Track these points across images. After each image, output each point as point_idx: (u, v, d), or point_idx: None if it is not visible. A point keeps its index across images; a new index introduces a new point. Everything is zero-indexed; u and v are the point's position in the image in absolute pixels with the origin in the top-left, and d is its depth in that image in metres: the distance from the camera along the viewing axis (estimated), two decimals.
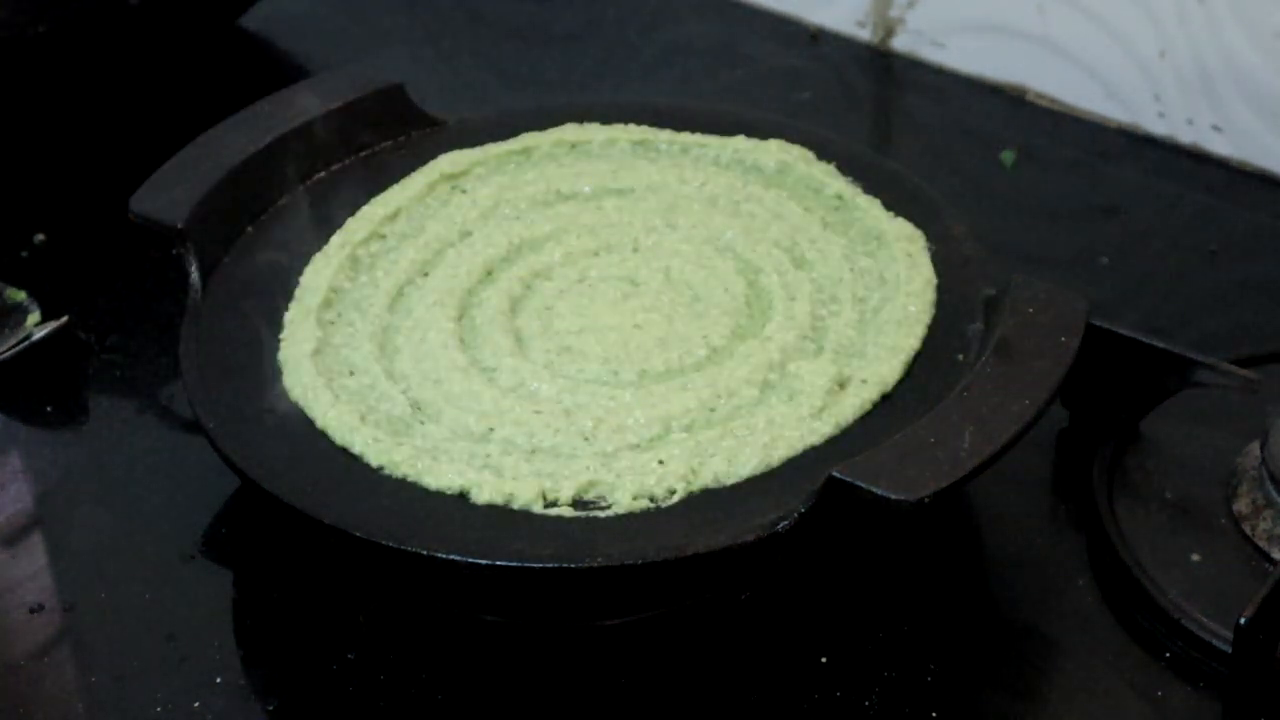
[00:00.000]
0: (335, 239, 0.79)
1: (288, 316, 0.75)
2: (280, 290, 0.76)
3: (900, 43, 1.06)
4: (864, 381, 0.70)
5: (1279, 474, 0.69)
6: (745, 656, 0.67)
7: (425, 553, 0.63)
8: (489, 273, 0.78)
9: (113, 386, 0.82)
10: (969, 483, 0.62)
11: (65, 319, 0.83)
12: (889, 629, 0.68)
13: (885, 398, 0.69)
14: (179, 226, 0.76)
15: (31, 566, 0.73)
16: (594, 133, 0.85)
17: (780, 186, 0.82)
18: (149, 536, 0.74)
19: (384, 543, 0.63)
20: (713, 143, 0.84)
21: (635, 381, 0.71)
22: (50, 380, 0.82)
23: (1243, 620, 0.62)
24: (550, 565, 0.63)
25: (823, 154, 0.83)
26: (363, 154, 0.85)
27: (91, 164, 0.99)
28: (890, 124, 1.00)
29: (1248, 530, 0.70)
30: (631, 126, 0.86)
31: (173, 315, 0.76)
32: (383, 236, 0.80)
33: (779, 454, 0.67)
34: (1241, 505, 0.71)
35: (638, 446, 0.67)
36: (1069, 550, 0.71)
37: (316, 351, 0.72)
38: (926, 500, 0.61)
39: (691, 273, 0.77)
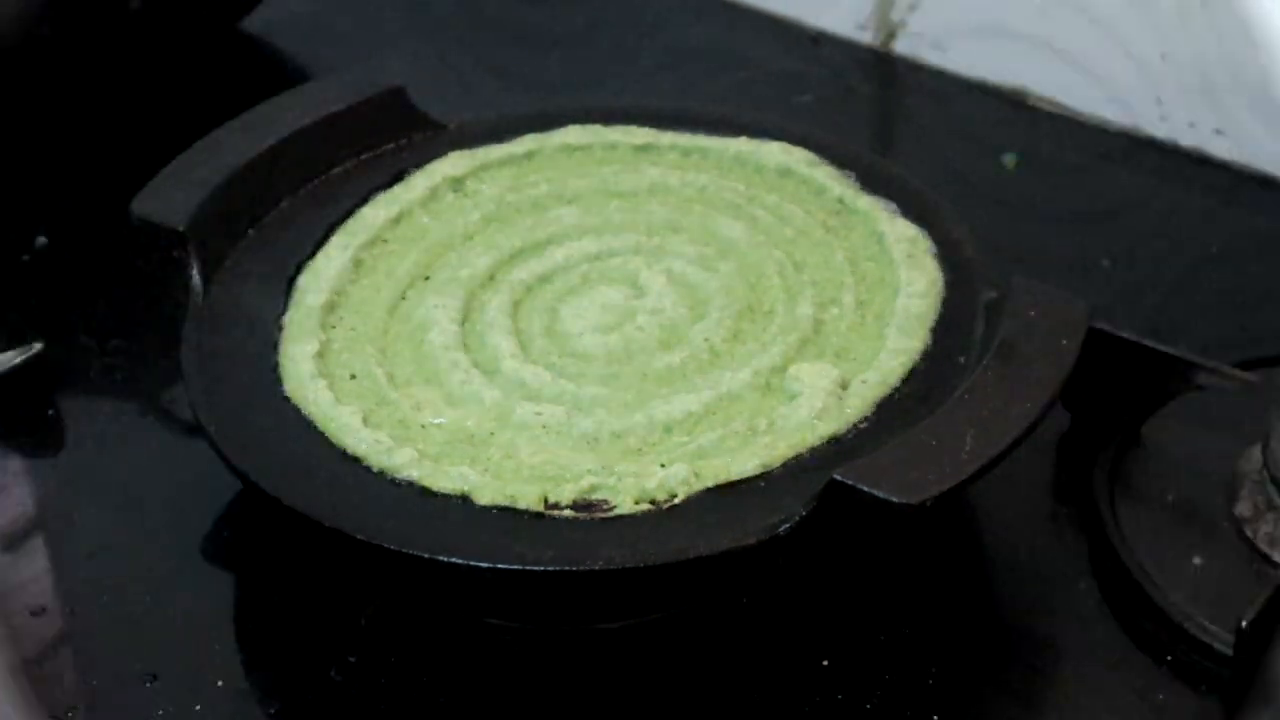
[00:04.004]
0: (336, 242, 0.79)
1: (289, 319, 0.75)
2: (281, 293, 0.76)
3: (902, 46, 1.06)
4: (865, 384, 0.70)
5: None
6: (746, 660, 0.67)
7: (427, 556, 0.63)
8: (491, 276, 0.78)
9: (114, 389, 0.82)
10: (970, 486, 0.62)
11: (39, 347, 0.82)
12: (890, 632, 0.68)
13: (887, 400, 0.69)
14: (180, 229, 0.76)
15: (33, 569, 0.73)
16: (596, 135, 0.85)
17: (782, 189, 0.82)
18: (150, 540, 0.74)
19: (386, 546, 0.63)
20: (714, 145, 0.84)
21: (637, 384, 0.71)
22: (51, 382, 0.82)
23: (1244, 624, 0.62)
24: (552, 568, 0.63)
25: (824, 157, 0.83)
26: (364, 157, 0.85)
27: (93, 167, 0.99)
28: (892, 127, 1.00)
29: (1249, 533, 0.70)
30: (633, 129, 0.86)
31: (174, 318, 0.76)
32: (385, 240, 0.80)
33: (780, 456, 0.67)
34: (1243, 508, 0.71)
35: (639, 450, 0.68)
36: (1070, 553, 0.71)
37: (318, 355, 0.72)
38: (928, 503, 0.61)
39: (693, 275, 0.77)
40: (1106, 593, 0.69)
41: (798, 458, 0.67)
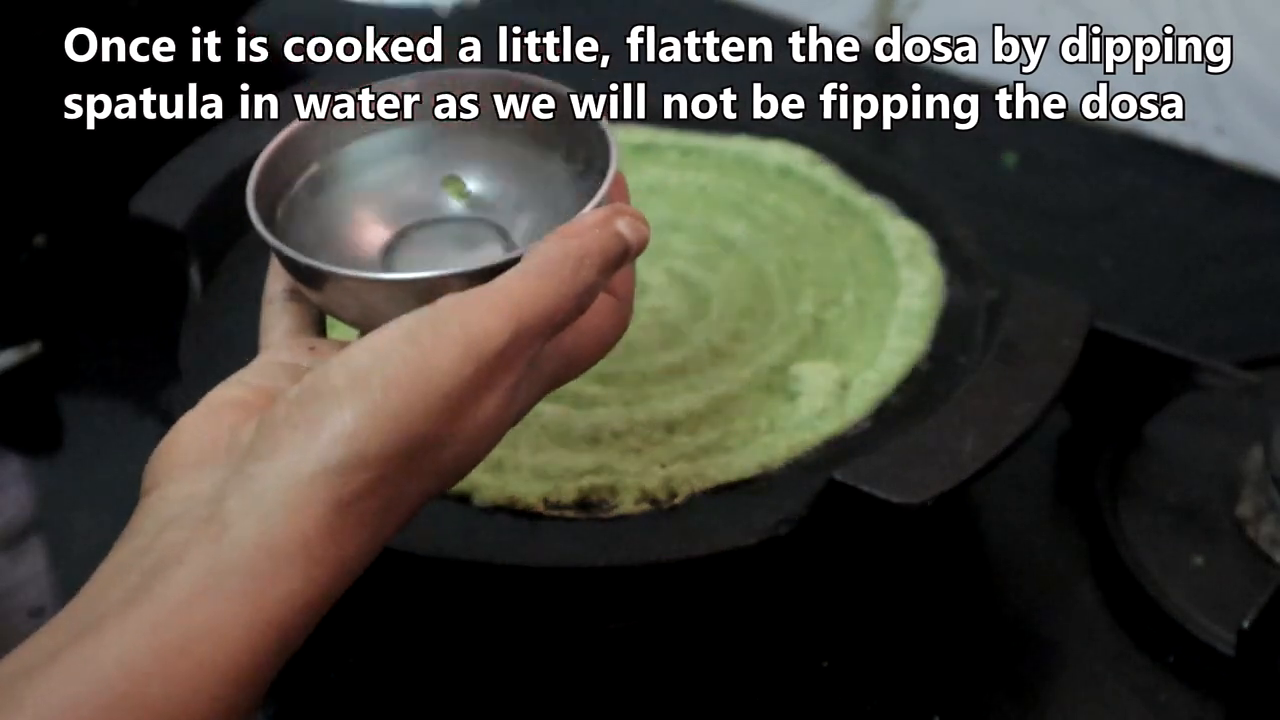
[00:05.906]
0: None
1: None
2: None
3: (901, 45, 1.06)
4: (866, 383, 0.70)
5: None
6: (747, 660, 0.67)
7: (428, 555, 0.63)
8: None
9: (112, 389, 0.82)
10: (971, 486, 0.62)
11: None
12: (890, 633, 0.68)
13: (887, 400, 0.69)
14: (179, 229, 0.76)
15: (32, 570, 0.73)
16: None
17: (782, 188, 0.82)
18: None
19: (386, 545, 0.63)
20: (714, 145, 0.84)
21: (638, 383, 0.71)
22: (51, 382, 0.82)
23: (1245, 624, 0.62)
24: (552, 568, 0.63)
25: (825, 156, 0.83)
26: None
27: (92, 166, 0.99)
28: (892, 127, 1.00)
29: (1250, 534, 0.70)
30: (634, 128, 0.86)
31: (172, 318, 0.75)
32: None
33: (781, 456, 0.67)
34: (1244, 509, 0.71)
35: (640, 449, 0.67)
36: (1071, 554, 0.71)
37: None
38: (928, 504, 0.61)
39: (694, 274, 0.76)
40: (1107, 593, 0.69)
41: (798, 458, 0.67)
